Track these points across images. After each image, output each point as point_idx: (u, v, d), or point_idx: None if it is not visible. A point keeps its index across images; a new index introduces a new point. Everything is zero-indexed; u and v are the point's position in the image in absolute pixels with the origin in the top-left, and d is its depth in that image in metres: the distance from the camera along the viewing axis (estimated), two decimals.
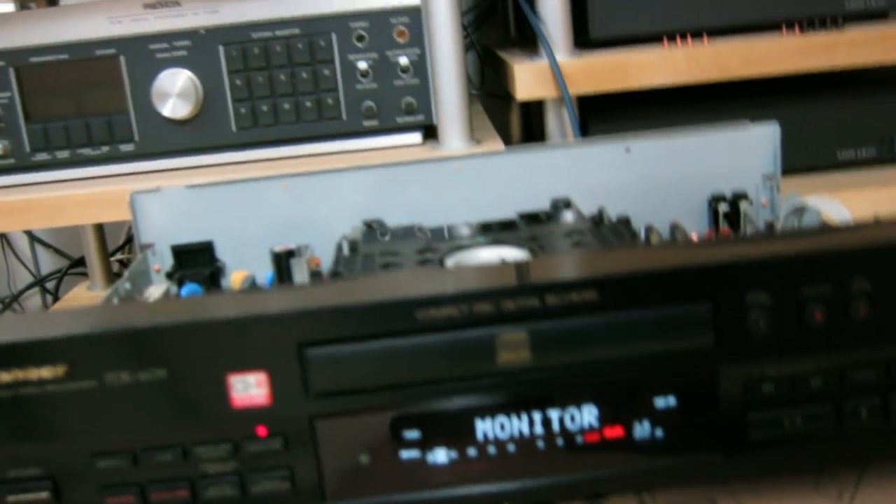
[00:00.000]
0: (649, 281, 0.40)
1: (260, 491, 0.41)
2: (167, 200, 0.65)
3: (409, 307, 0.39)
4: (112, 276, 1.14)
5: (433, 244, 0.54)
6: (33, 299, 1.29)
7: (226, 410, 0.40)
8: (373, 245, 0.56)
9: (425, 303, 0.39)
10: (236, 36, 0.83)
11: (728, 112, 0.89)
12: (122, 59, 0.84)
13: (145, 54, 0.84)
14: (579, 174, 0.65)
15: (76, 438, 0.40)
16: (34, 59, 0.84)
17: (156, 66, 0.84)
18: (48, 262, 1.32)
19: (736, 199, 0.65)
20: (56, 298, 1.26)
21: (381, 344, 0.40)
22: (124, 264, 1.24)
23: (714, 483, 0.45)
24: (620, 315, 0.40)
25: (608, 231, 0.54)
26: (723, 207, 0.65)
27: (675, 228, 0.63)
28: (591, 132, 0.90)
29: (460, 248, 0.53)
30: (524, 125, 1.13)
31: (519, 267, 0.41)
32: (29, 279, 1.30)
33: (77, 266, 1.25)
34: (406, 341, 0.40)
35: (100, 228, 1.12)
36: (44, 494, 0.41)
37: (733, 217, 0.65)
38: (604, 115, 0.90)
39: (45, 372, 0.39)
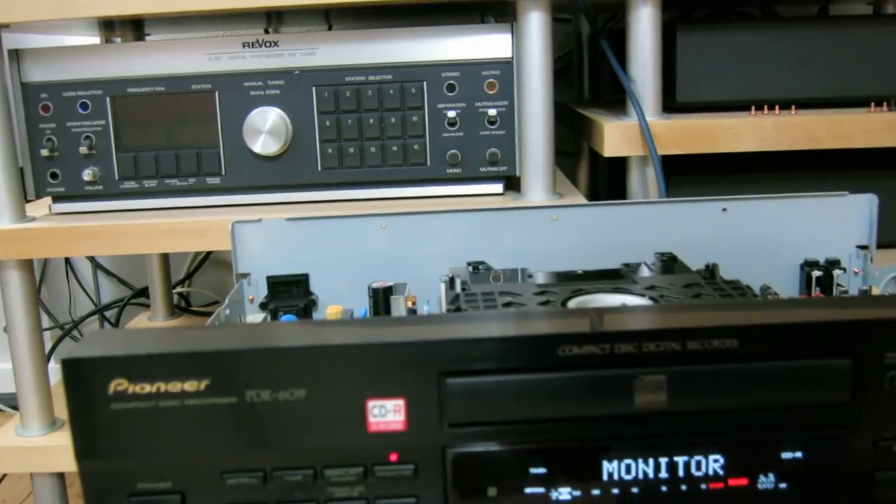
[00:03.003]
0: (791, 333, 0.40)
1: None
2: (267, 231, 0.67)
3: (554, 343, 0.40)
4: (173, 309, 1.15)
5: (549, 287, 0.55)
6: (91, 327, 1.30)
7: (361, 434, 0.41)
8: (484, 285, 0.57)
9: (569, 340, 0.40)
10: (330, 78, 0.85)
11: (808, 184, 0.89)
12: (216, 94, 0.86)
13: (240, 91, 0.86)
14: (677, 230, 0.66)
15: (209, 454, 0.41)
16: (131, 90, 0.86)
17: (249, 103, 0.86)
18: (109, 292, 1.34)
19: (829, 266, 0.66)
20: (116, 328, 1.27)
21: (522, 378, 0.40)
22: (184, 297, 1.25)
23: None
24: (760, 365, 0.40)
25: (724, 285, 0.55)
26: (816, 273, 0.66)
27: (765, 290, 0.63)
28: (671, 195, 0.91)
29: (581, 292, 0.53)
30: (592, 183, 1.14)
31: (659, 310, 0.42)
32: (90, 307, 1.31)
33: (140, 296, 1.26)
34: (546, 377, 0.40)
35: (165, 260, 1.13)
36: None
37: (825, 283, 0.66)
38: (683, 178, 0.91)
39: (188, 385, 0.40)
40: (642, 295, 0.52)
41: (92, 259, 1.30)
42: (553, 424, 0.41)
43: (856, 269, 0.67)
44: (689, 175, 0.92)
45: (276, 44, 0.85)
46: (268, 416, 0.40)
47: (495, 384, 0.40)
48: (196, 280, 1.29)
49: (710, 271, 0.58)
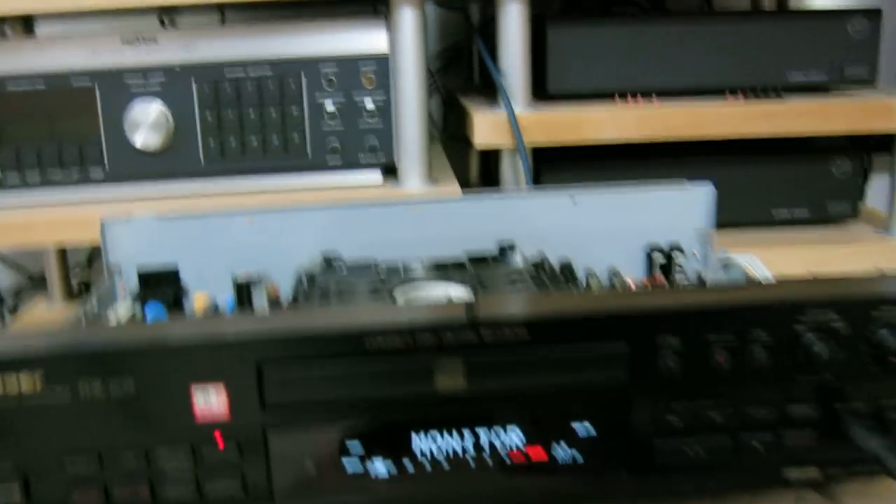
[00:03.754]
0: (573, 322, 0.45)
1: (214, 493, 0.45)
2: (136, 228, 0.70)
3: (359, 336, 0.44)
4: (71, 294, 1.17)
5: (385, 279, 0.59)
6: None
7: (188, 420, 0.44)
8: (330, 277, 0.61)
9: (373, 332, 0.44)
10: (210, 73, 0.88)
11: (672, 169, 0.95)
12: (97, 89, 0.88)
13: (120, 86, 0.88)
14: (528, 220, 0.71)
15: (48, 440, 0.44)
16: (11, 88, 0.88)
17: (130, 97, 0.88)
18: (6, 278, 1.35)
19: (671, 251, 0.71)
20: (14, 313, 1.28)
21: (332, 366, 0.44)
22: (85, 283, 1.27)
23: (620, 498, 0.50)
24: (547, 350, 0.45)
25: (546, 276, 0.60)
26: (658, 258, 0.71)
27: (613, 275, 0.68)
28: (543, 180, 0.96)
29: (410, 283, 0.57)
30: (482, 169, 1.19)
31: (459, 304, 0.46)
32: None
33: (38, 284, 1.28)
34: (354, 365, 0.44)
35: (62, 247, 1.15)
36: (14, 488, 0.44)
37: (668, 267, 0.71)
38: (555, 165, 0.96)
39: (24, 378, 0.43)
40: (466, 285, 0.56)
41: None
42: (362, 408, 0.45)
43: (695, 252, 0.73)
44: (562, 163, 0.97)
45: (155, 40, 0.88)
46: (100, 406, 0.44)
47: (307, 371, 0.44)
48: (96, 266, 1.31)
49: (541, 262, 0.63)
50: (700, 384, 0.46)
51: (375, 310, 0.49)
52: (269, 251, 0.69)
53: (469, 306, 0.45)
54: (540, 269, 0.62)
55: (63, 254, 1.15)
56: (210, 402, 0.44)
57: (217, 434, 0.45)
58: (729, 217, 0.86)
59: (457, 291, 0.56)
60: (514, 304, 0.47)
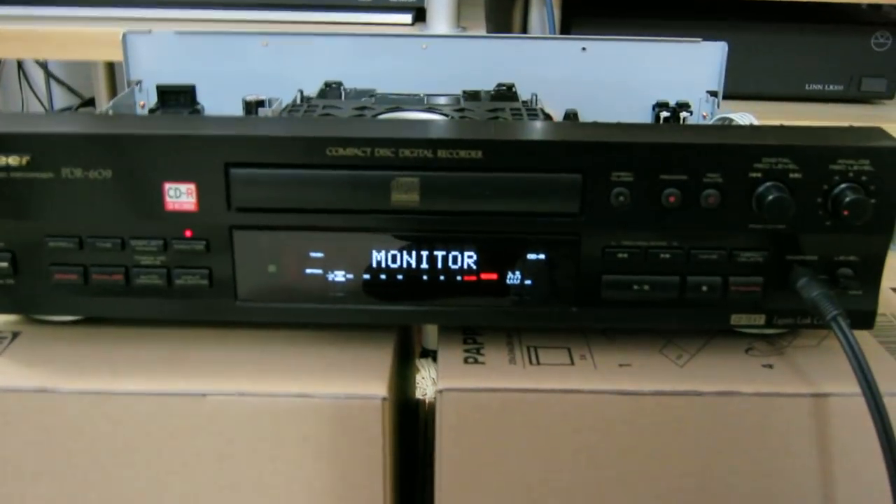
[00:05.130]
0: (528, 148, 0.46)
1: (182, 284, 0.49)
2: (157, 42, 0.72)
3: (322, 144, 0.46)
4: None
5: (374, 105, 0.61)
6: None
7: (160, 212, 0.47)
8: (324, 100, 0.63)
9: (335, 142, 0.46)
10: None
11: (704, 31, 0.93)
12: None
13: None
14: (538, 66, 0.71)
15: (34, 220, 0.48)
16: None
17: None
18: (61, 99, 1.40)
19: (678, 108, 0.70)
20: None
21: (295, 172, 0.47)
22: None
23: (569, 328, 0.53)
24: (501, 176, 0.47)
25: (528, 114, 0.60)
26: (664, 114, 0.70)
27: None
28: (573, 32, 0.95)
29: (396, 111, 0.59)
30: (524, 20, 1.18)
31: (421, 124, 0.48)
32: (42, 113, 1.38)
33: (88, 105, 1.33)
34: (315, 173, 0.47)
35: (111, 71, 1.19)
36: (3, 263, 0.48)
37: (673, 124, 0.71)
38: (584, 19, 0.95)
39: (12, 160, 0.47)
40: (446, 115, 0.58)
41: (44, 66, 1.35)
42: (323, 215, 0.48)
43: (704, 113, 0.72)
44: (591, 17, 0.95)
45: None
46: (81, 190, 0.47)
47: (273, 175, 0.47)
48: None
49: (534, 101, 0.64)
50: (651, 222, 0.47)
51: (341, 123, 0.51)
52: (283, 76, 0.71)
53: (428, 126, 0.47)
54: (527, 107, 0.63)
55: (112, 78, 1.19)
56: (181, 197, 0.47)
57: (187, 231, 0.48)
58: (760, 88, 0.85)
59: (435, 118, 0.57)
60: (475, 130, 0.48)
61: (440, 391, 0.47)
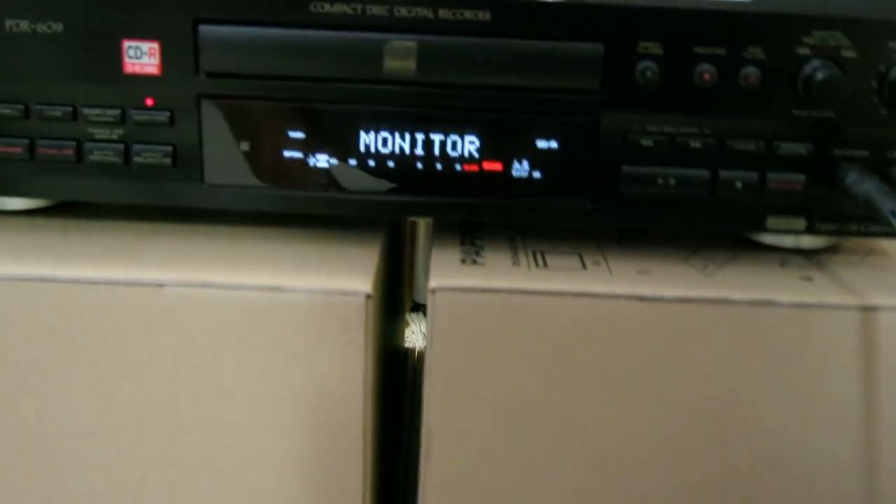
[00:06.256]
0: (544, 11, 0.40)
1: (142, 162, 0.43)
2: None
3: None
4: None
5: None
6: None
7: (117, 75, 0.41)
8: None
9: None
10: None
11: None
12: None
13: None
14: None
15: None
16: None
17: None
18: None
19: None
20: None
21: (275, 31, 0.41)
22: None
23: (581, 229, 0.47)
24: (511, 42, 0.41)
25: None
26: None
27: None
28: None
29: None
30: None
31: None
32: None
33: None
34: (297, 33, 0.40)
35: None
36: None
37: None
38: None
39: None
40: None
41: None
42: (305, 83, 0.41)
43: None
44: None
45: None
46: (26, 46, 0.41)
47: (248, 35, 0.41)
48: None
49: None
50: (681, 104, 0.41)
51: None
52: None
53: None
54: None
55: None
56: (142, 59, 0.41)
57: (148, 99, 0.42)
58: None
59: None
60: None
61: (432, 290, 0.41)
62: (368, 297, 0.41)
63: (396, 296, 0.61)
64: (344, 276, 0.41)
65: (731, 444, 0.43)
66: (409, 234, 0.87)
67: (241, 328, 0.41)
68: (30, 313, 0.41)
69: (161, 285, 0.41)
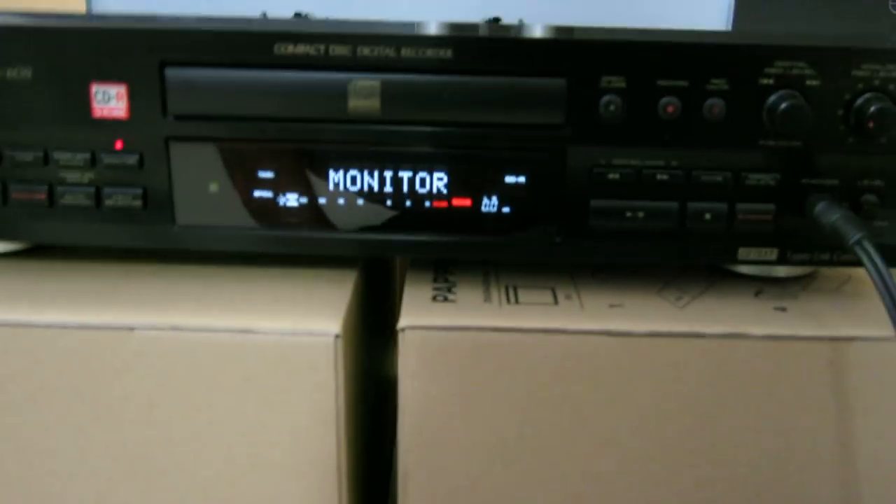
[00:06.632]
0: (506, 49, 0.40)
1: (113, 205, 0.43)
2: None
3: (269, 40, 0.40)
4: None
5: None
6: None
7: (86, 119, 0.42)
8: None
9: (284, 38, 0.40)
10: None
11: None
12: None
13: None
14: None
15: None
16: None
17: None
18: None
19: None
20: None
21: (239, 73, 0.41)
22: None
23: (553, 267, 0.47)
24: (474, 79, 0.41)
25: None
26: None
27: None
28: None
29: None
30: None
31: (381, 24, 0.42)
32: None
33: None
34: (262, 74, 0.41)
35: None
36: None
37: None
38: None
39: None
40: None
41: None
42: (272, 123, 0.42)
43: None
44: None
45: None
46: None
47: (215, 77, 0.41)
48: None
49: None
50: (646, 136, 0.41)
51: (290, 21, 0.45)
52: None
53: (390, 24, 0.41)
54: None
55: None
56: (110, 102, 0.41)
57: (118, 143, 0.42)
58: None
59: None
60: (444, 27, 0.42)
61: (402, 329, 0.41)
62: (337, 336, 0.41)
63: (383, 325, 0.61)
64: (313, 317, 0.41)
65: (707, 479, 0.42)
66: (398, 260, 0.87)
67: (212, 370, 0.41)
68: (3, 356, 0.41)
69: (132, 329, 0.41)
